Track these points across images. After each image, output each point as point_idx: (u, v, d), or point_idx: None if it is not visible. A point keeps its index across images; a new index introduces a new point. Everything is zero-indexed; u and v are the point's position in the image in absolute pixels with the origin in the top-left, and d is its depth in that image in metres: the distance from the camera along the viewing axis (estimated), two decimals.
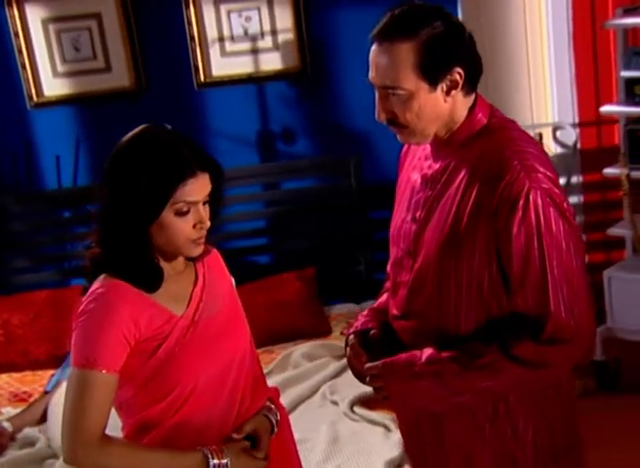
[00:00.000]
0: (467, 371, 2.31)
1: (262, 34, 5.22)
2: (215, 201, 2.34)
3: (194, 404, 2.30)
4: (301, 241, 5.36)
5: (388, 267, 2.79)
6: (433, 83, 2.28)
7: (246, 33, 5.21)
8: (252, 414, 2.43)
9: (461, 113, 2.36)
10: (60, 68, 5.23)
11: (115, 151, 2.30)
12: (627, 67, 4.39)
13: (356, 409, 3.93)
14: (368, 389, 3.89)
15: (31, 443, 3.97)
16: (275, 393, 2.59)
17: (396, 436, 3.64)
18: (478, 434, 2.44)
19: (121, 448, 2.25)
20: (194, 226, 2.28)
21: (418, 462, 2.68)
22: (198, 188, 2.25)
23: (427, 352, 2.37)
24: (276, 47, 5.24)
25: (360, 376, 2.57)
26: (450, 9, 4.87)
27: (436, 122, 2.34)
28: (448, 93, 2.30)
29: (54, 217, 5.43)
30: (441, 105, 2.31)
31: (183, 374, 2.28)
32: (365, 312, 2.72)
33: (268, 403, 2.51)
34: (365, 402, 3.96)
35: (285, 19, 5.19)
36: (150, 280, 2.29)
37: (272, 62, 5.26)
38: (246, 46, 5.24)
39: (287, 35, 5.22)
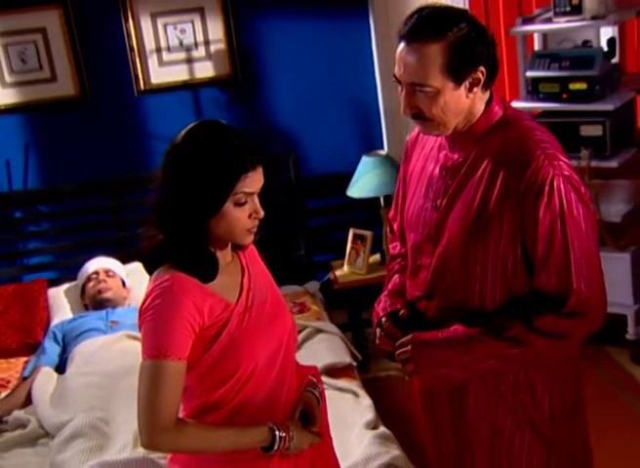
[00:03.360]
0: (495, 341, 2.30)
1: (196, 45, 5.21)
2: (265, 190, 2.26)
3: (253, 385, 2.26)
4: None
5: (392, 250, 2.80)
6: (458, 81, 2.25)
7: (181, 44, 5.19)
8: (299, 391, 2.41)
9: (480, 107, 2.34)
10: (8, 79, 5.10)
11: (176, 146, 2.21)
12: (532, 68, 4.56)
13: (323, 378, 3.90)
14: (331, 360, 4.03)
15: (22, 424, 3.85)
16: (316, 371, 2.55)
17: (366, 401, 3.71)
18: (501, 403, 2.44)
19: (194, 430, 2.18)
20: (250, 216, 2.21)
21: (432, 436, 2.65)
22: (256, 180, 2.19)
23: (455, 326, 2.37)
24: (209, 56, 5.23)
25: (389, 356, 2.53)
26: (362, 24, 5.17)
27: (458, 116, 2.31)
28: (470, 89, 2.28)
29: (5, 218, 5.25)
30: (464, 101, 2.29)
31: (245, 357, 2.23)
32: (385, 294, 2.67)
33: (312, 378, 2.48)
34: (330, 371, 3.97)
35: (216, 30, 5.18)
36: (209, 270, 2.22)
37: (206, 70, 5.26)
38: (181, 56, 5.22)
39: (218, 45, 5.21)
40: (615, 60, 4.60)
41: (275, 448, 2.25)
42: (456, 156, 2.41)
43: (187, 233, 2.20)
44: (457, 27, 2.23)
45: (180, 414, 2.25)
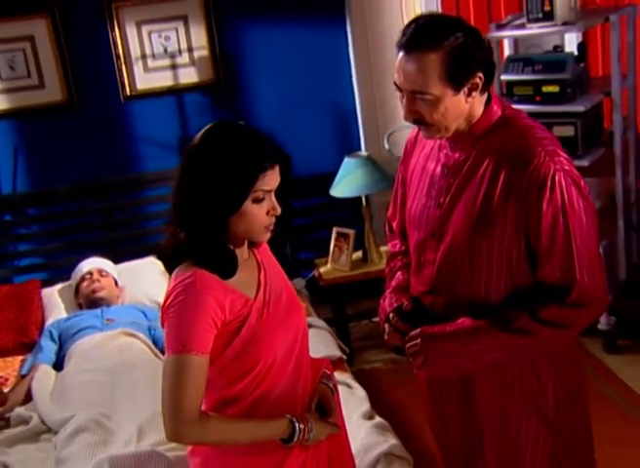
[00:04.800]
0: (501, 332, 2.30)
1: (180, 51, 5.20)
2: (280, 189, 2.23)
3: (272, 378, 2.24)
4: None
5: (392, 248, 2.79)
6: (457, 88, 2.24)
7: (165, 51, 5.18)
8: (314, 383, 2.40)
9: (479, 109, 2.33)
10: None
11: (194, 146, 2.18)
12: (506, 72, 4.58)
13: None
14: (323, 354, 4.00)
15: (25, 421, 3.77)
16: (328, 363, 2.54)
17: (360, 392, 3.70)
18: (508, 391, 2.44)
19: (217, 422, 2.16)
20: (267, 213, 2.19)
21: (441, 428, 2.65)
22: (274, 178, 2.17)
23: (463, 319, 2.37)
24: (192, 62, 5.23)
25: (397, 350, 2.53)
26: (339, 31, 5.18)
27: (458, 119, 2.31)
28: (469, 94, 2.27)
29: None
30: (463, 106, 2.28)
31: (264, 351, 2.22)
32: (390, 291, 2.65)
33: (325, 370, 2.47)
34: None
35: (199, 37, 5.18)
36: (229, 267, 2.19)
37: (189, 76, 5.26)
38: (166, 62, 5.21)
39: (202, 52, 5.21)
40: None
41: (295, 439, 2.24)
42: (457, 155, 2.40)
43: (208, 231, 2.17)
44: (453, 36, 2.22)
45: (202, 407, 2.22)
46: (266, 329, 2.24)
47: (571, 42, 5.06)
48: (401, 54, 2.27)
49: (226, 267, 2.20)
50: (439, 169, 2.46)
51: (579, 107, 4.42)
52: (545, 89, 4.46)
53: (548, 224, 2.25)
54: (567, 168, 2.26)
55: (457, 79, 2.24)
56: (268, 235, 2.28)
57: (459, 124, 2.33)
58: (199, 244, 2.19)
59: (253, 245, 2.36)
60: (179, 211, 2.21)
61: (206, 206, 2.15)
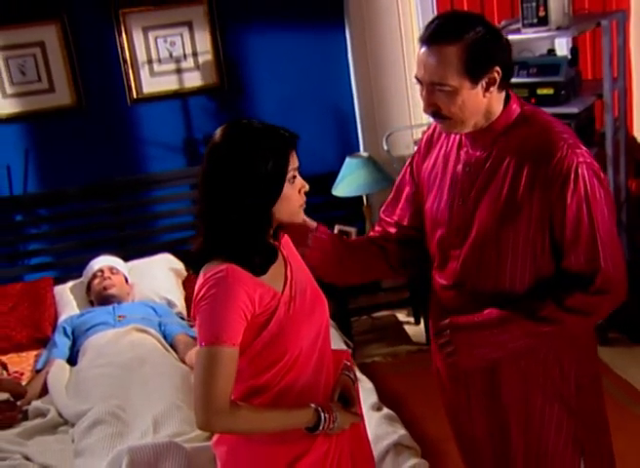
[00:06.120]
0: (528, 321, 2.31)
1: (185, 56, 5.19)
2: None
3: (297, 369, 2.25)
4: None
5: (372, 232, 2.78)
6: (475, 81, 2.24)
7: (171, 56, 5.17)
8: (336, 374, 2.40)
9: (498, 106, 2.33)
10: (8, 90, 5.04)
11: (218, 144, 2.16)
12: None
13: None
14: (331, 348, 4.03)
15: (42, 413, 3.79)
16: (348, 355, 2.55)
17: (367, 384, 3.71)
18: (532, 379, 2.45)
19: (247, 412, 2.17)
20: (299, 191, 2.20)
21: (464, 419, 2.65)
22: (296, 157, 2.19)
23: (489, 310, 2.37)
24: (197, 66, 5.22)
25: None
26: (339, 35, 5.19)
27: (476, 114, 2.30)
28: (487, 89, 2.26)
29: (6, 221, 5.18)
30: (480, 100, 2.28)
31: (291, 343, 2.22)
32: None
33: (346, 362, 2.48)
34: None
35: (204, 42, 5.17)
36: (264, 264, 2.19)
37: (194, 80, 5.25)
38: (171, 66, 5.20)
39: (206, 56, 5.20)
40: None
41: (320, 428, 2.24)
42: (478, 153, 2.40)
43: (255, 226, 2.16)
44: (473, 31, 2.23)
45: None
46: (293, 322, 2.24)
47: (561, 46, 5.09)
48: (423, 48, 2.27)
49: (261, 264, 2.19)
50: (460, 167, 2.45)
51: (572, 109, 4.44)
52: (540, 91, 4.48)
53: (573, 216, 2.26)
54: (588, 160, 2.28)
55: (474, 72, 2.24)
56: (302, 214, 2.28)
57: (476, 120, 2.33)
58: (242, 241, 2.16)
59: (276, 239, 2.34)
60: (214, 210, 2.18)
61: (251, 199, 2.13)
